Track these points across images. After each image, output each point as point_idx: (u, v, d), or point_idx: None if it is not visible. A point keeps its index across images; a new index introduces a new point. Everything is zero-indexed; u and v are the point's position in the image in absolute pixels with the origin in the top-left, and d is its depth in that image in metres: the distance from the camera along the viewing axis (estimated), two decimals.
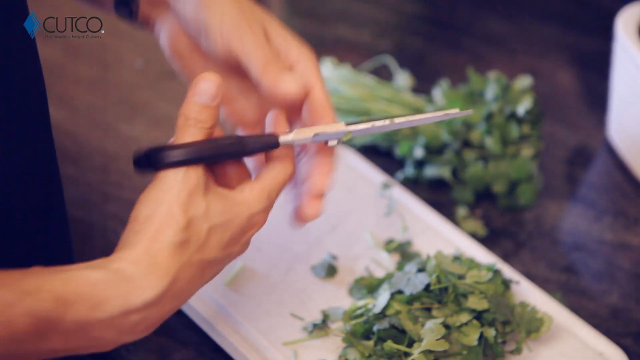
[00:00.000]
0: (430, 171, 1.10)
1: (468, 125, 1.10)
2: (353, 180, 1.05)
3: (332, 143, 0.80)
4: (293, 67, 0.81)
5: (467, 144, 1.10)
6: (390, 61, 1.24)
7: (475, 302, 0.85)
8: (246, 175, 0.78)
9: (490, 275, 0.88)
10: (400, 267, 0.94)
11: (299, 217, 0.81)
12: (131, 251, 0.69)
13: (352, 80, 1.15)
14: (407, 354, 0.84)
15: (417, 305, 0.87)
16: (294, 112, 0.82)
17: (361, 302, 0.89)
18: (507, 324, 0.87)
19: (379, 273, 0.95)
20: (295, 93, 0.79)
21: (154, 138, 1.15)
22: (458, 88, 1.14)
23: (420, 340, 0.84)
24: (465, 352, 0.84)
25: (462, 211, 1.07)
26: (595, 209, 1.10)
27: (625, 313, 0.98)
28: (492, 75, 1.13)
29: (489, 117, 1.09)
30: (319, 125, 0.80)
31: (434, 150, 1.10)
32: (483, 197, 1.10)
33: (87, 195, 1.08)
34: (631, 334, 0.96)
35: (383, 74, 1.24)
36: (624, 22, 1.09)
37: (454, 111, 0.81)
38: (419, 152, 1.10)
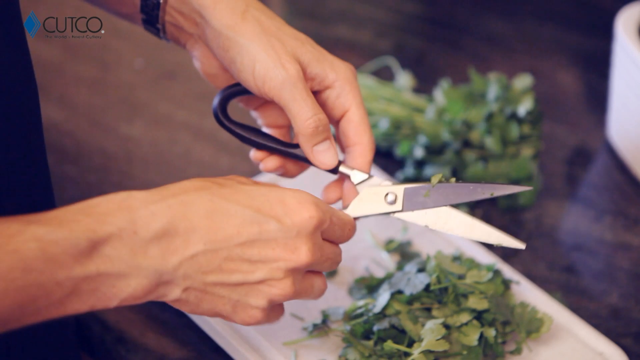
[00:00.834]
0: (430, 171, 1.10)
1: (468, 125, 1.10)
2: None
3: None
4: (330, 88, 0.81)
5: (467, 144, 1.10)
6: (392, 62, 1.24)
7: (475, 302, 0.85)
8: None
9: (490, 275, 0.88)
10: (400, 267, 0.94)
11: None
12: (149, 190, 0.69)
13: None
14: (407, 354, 0.84)
15: (417, 305, 0.87)
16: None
17: (361, 302, 0.89)
18: (507, 324, 0.87)
19: (379, 273, 0.95)
20: (332, 166, 0.81)
21: (154, 138, 1.15)
22: (458, 88, 1.14)
23: (420, 340, 0.84)
24: (465, 352, 0.84)
25: (462, 211, 1.07)
26: (595, 209, 1.10)
27: (625, 313, 0.98)
28: (493, 75, 1.13)
29: (489, 117, 1.09)
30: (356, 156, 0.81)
31: (434, 150, 1.10)
32: None
33: (87, 195, 1.08)
34: (631, 334, 0.96)
35: (384, 74, 1.24)
36: (624, 22, 1.09)
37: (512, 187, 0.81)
38: (419, 152, 1.10)
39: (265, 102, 0.84)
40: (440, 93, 1.14)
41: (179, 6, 0.80)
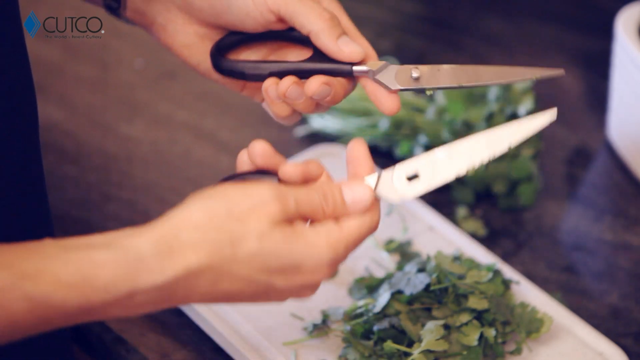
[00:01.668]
0: None
1: (468, 125, 1.10)
2: None
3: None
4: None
5: None
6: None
7: (475, 302, 0.85)
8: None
9: (490, 275, 0.88)
10: (400, 267, 0.94)
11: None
12: (153, 230, 0.64)
13: None
14: (407, 354, 0.84)
15: (417, 305, 0.87)
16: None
17: (361, 302, 0.89)
18: (507, 324, 0.87)
19: (379, 273, 0.95)
20: (362, 56, 0.78)
21: (154, 138, 1.15)
22: None
23: (420, 340, 0.84)
24: (465, 352, 0.84)
25: (462, 211, 1.07)
26: (595, 209, 1.10)
27: (625, 313, 0.98)
28: None
29: (489, 117, 1.09)
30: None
31: None
32: (483, 197, 1.10)
33: (87, 195, 1.08)
34: (631, 334, 0.96)
35: None
36: (624, 22, 1.09)
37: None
38: (419, 152, 1.10)
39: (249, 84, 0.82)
40: (441, 93, 1.14)
41: None
